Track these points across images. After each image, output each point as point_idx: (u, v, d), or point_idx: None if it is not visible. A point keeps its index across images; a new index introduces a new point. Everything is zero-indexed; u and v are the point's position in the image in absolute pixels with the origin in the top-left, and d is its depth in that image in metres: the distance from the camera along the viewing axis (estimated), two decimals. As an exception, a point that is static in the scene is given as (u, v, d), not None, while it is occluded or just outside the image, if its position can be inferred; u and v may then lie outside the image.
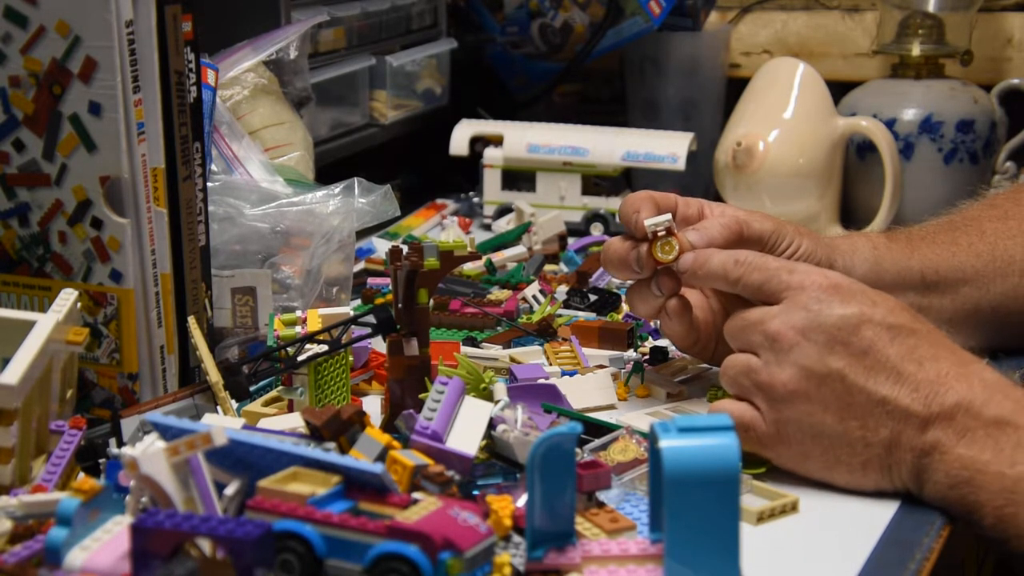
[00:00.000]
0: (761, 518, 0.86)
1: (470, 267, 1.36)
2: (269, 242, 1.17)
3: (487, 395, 0.98)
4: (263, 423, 0.94)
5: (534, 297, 1.28)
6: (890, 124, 1.58)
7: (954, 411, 0.87)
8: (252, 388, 1.01)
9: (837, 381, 0.89)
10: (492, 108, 1.76)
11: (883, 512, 0.88)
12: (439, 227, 1.60)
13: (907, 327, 0.90)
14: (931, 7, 1.66)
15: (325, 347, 1.00)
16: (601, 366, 1.13)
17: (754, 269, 0.95)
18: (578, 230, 1.57)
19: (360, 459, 0.79)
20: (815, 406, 0.89)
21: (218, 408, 0.96)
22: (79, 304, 0.95)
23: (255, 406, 1.01)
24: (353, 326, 1.03)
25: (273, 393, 1.03)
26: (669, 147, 1.57)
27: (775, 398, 0.90)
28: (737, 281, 0.96)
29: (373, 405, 1.06)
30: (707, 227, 1.02)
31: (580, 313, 1.26)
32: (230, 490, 0.78)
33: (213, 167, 1.20)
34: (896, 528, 0.86)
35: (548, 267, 1.42)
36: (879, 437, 0.88)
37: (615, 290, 1.31)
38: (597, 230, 1.57)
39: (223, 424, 0.87)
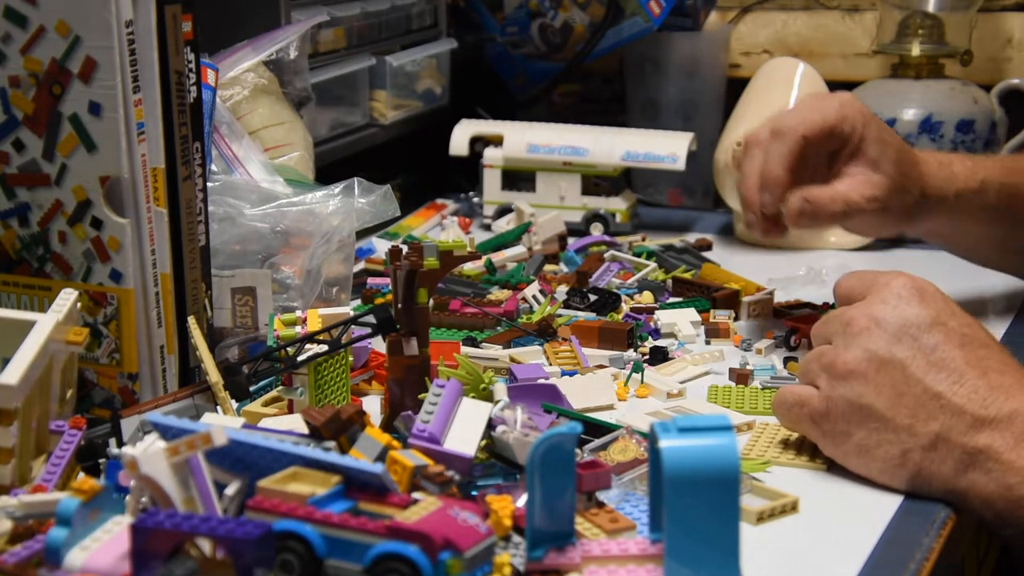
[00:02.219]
0: (761, 518, 0.86)
1: (470, 267, 1.36)
2: (269, 242, 1.17)
3: (487, 395, 0.98)
4: (263, 423, 0.94)
5: (534, 297, 1.28)
6: (890, 124, 1.57)
7: (1013, 416, 0.87)
8: (252, 388, 1.01)
9: (897, 369, 0.89)
10: (492, 108, 1.76)
11: (883, 512, 0.88)
12: (439, 227, 1.60)
13: (980, 339, 0.91)
14: (931, 7, 1.66)
15: (325, 347, 1.00)
16: (601, 366, 1.13)
17: (848, 277, 0.98)
18: (578, 230, 1.57)
19: (360, 459, 0.79)
20: (869, 388, 0.90)
21: (218, 408, 0.96)
22: (79, 304, 0.95)
23: (255, 406, 1.01)
24: (353, 326, 1.03)
25: (273, 393, 1.03)
26: (669, 147, 1.57)
27: (834, 375, 0.91)
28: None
29: (373, 405, 1.06)
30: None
31: (580, 313, 1.26)
32: (230, 490, 0.78)
33: (213, 167, 1.20)
34: (896, 528, 0.86)
35: (548, 267, 1.42)
36: (927, 428, 0.88)
37: (615, 290, 1.31)
38: (597, 230, 1.57)
39: (223, 424, 0.87)
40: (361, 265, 1.41)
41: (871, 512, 0.88)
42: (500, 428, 0.90)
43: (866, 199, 1.14)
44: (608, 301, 1.27)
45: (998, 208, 1.21)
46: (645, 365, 1.13)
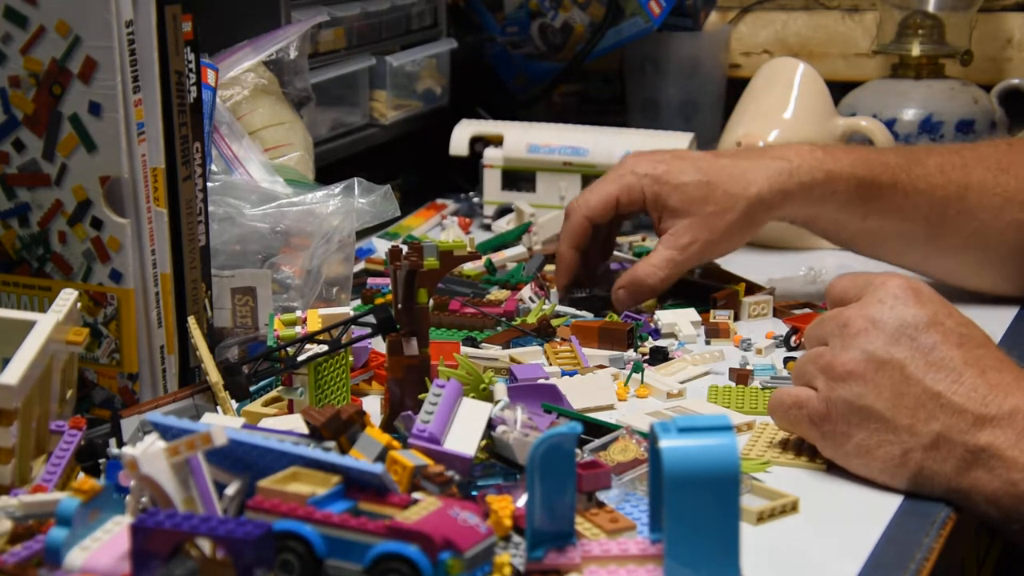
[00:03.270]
0: (761, 518, 0.86)
1: (470, 267, 1.36)
2: (269, 242, 1.17)
3: (487, 395, 0.98)
4: (263, 423, 0.94)
5: (530, 298, 1.28)
6: (890, 124, 1.58)
7: (1013, 413, 0.87)
8: (252, 388, 1.01)
9: (896, 370, 0.89)
10: (492, 108, 1.76)
11: (883, 512, 0.88)
12: (439, 227, 1.60)
13: (976, 339, 0.91)
14: (931, 7, 1.66)
15: (325, 347, 1.00)
16: (601, 366, 1.13)
17: (841, 279, 0.97)
18: (578, 230, 1.56)
19: (360, 459, 0.79)
20: (869, 389, 0.90)
21: (218, 408, 0.96)
22: (79, 304, 0.95)
23: (255, 406, 1.01)
24: (353, 326, 1.03)
25: (273, 393, 1.03)
26: (669, 147, 1.56)
27: (833, 377, 0.91)
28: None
29: (373, 405, 1.06)
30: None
31: (576, 311, 1.26)
32: (230, 490, 0.78)
33: (213, 167, 1.20)
34: (896, 528, 0.86)
35: (548, 267, 1.42)
36: (928, 428, 0.88)
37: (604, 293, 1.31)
38: (597, 230, 1.57)
39: (223, 424, 0.87)
40: (361, 265, 1.41)
41: (871, 512, 0.88)
42: (500, 428, 0.90)
43: (680, 249, 1.23)
44: (595, 303, 1.27)
45: (848, 197, 1.24)
46: (645, 365, 1.13)
